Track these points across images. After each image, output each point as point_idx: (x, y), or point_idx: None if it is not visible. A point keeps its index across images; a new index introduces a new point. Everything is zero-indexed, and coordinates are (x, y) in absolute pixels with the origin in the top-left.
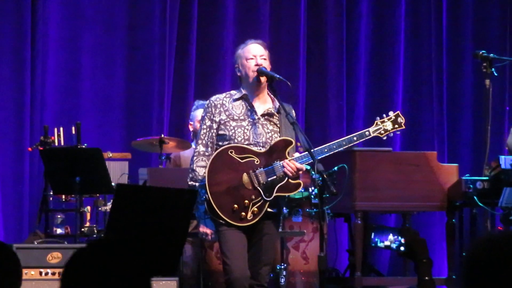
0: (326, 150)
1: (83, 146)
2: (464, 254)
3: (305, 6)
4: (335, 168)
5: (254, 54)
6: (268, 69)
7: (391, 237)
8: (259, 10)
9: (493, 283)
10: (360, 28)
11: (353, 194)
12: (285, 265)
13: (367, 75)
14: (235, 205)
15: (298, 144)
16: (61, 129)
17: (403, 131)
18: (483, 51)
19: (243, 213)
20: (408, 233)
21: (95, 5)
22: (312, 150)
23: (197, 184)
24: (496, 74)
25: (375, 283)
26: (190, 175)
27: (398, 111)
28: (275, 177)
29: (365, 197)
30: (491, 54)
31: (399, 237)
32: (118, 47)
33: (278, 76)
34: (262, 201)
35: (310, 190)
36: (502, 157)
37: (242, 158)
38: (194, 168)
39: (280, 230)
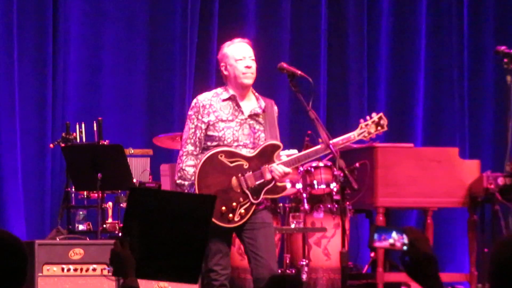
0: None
1: (105, 143)
2: (486, 251)
3: (326, 3)
4: (357, 164)
5: (244, 55)
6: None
7: (394, 234)
8: (280, 7)
9: None
10: (381, 25)
11: (374, 190)
12: (306, 261)
13: (388, 71)
14: (223, 207)
15: (320, 140)
16: (83, 125)
17: (425, 127)
18: (504, 47)
19: (231, 215)
20: (412, 231)
21: (116, 1)
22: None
23: (186, 183)
24: None
25: (397, 279)
26: (179, 174)
27: (381, 113)
28: (263, 180)
29: (386, 193)
30: None
31: (403, 236)
32: (139, 44)
33: (299, 72)
34: (249, 203)
35: (332, 186)
36: None
37: (231, 162)
38: (183, 167)
39: (301, 226)
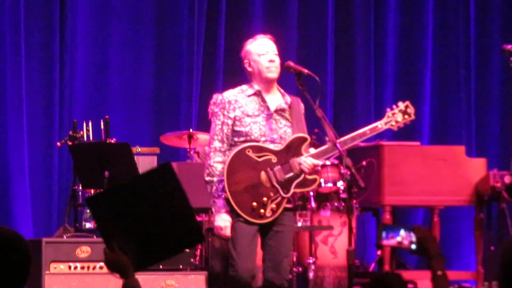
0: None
1: (112, 141)
2: (492, 249)
3: (333, 1)
4: (364, 162)
5: (267, 50)
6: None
7: (402, 232)
8: (287, 6)
9: None
10: (388, 23)
11: (381, 188)
12: (313, 259)
13: (395, 70)
14: (254, 203)
15: (326, 138)
16: (90, 123)
17: (432, 125)
18: (511, 46)
19: (262, 211)
20: (419, 230)
21: (123, 0)
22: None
23: (214, 179)
24: None
25: (404, 277)
26: (208, 171)
27: (408, 102)
28: (292, 174)
29: (393, 191)
30: None
31: (411, 234)
32: (146, 42)
33: (306, 71)
34: (280, 198)
35: (339, 185)
36: None
37: (259, 157)
38: (212, 164)
39: (308, 224)
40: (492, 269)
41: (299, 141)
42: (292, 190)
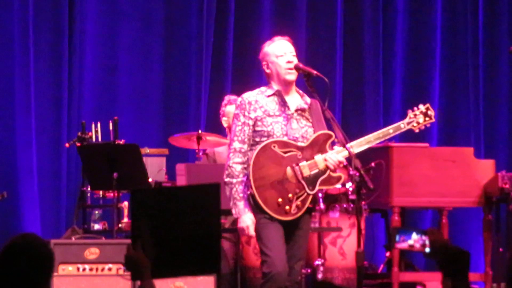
0: (363, 143)
1: (121, 142)
2: (501, 250)
3: (342, 2)
4: (373, 163)
5: (285, 51)
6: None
7: (414, 235)
8: (296, 6)
9: None
10: (396, 24)
11: (390, 189)
12: (322, 260)
13: (403, 71)
14: (280, 199)
15: (336, 139)
16: (99, 125)
17: (440, 127)
18: None
19: (287, 207)
20: (432, 233)
21: (132, 0)
22: (348, 145)
23: (234, 180)
24: None
25: (413, 279)
26: (227, 172)
27: (428, 104)
28: (317, 170)
29: (402, 193)
30: None
31: (423, 237)
32: (155, 43)
33: (315, 72)
34: (305, 194)
35: (347, 186)
36: None
37: (285, 152)
38: (231, 164)
39: (317, 225)
40: (500, 271)
41: (324, 138)
42: (317, 187)
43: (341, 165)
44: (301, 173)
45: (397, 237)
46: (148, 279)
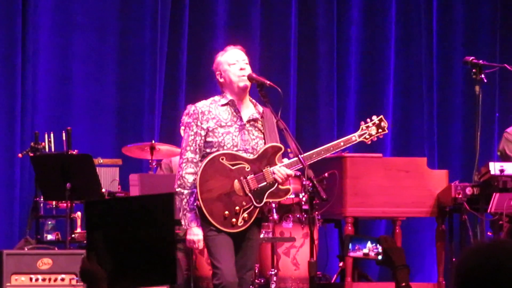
0: (314, 156)
1: (74, 152)
2: (454, 260)
3: (296, 13)
4: (326, 173)
5: (237, 59)
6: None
7: (369, 244)
8: (250, 17)
9: None
10: (350, 35)
11: (343, 199)
12: (275, 271)
13: (357, 82)
14: (226, 212)
15: (289, 150)
16: (52, 135)
17: (394, 137)
18: (473, 58)
19: (234, 220)
20: (386, 241)
21: (86, 11)
22: (301, 156)
23: (185, 191)
24: (485, 81)
25: None
26: (179, 182)
27: (382, 116)
28: (265, 183)
29: (355, 203)
30: (481, 61)
31: (377, 246)
32: (109, 53)
33: (268, 82)
34: (252, 207)
35: (301, 196)
36: (491, 163)
37: (233, 165)
38: (183, 175)
39: (270, 236)
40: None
41: (273, 150)
42: (264, 200)
43: (290, 178)
44: (249, 186)
45: (350, 245)
46: None
